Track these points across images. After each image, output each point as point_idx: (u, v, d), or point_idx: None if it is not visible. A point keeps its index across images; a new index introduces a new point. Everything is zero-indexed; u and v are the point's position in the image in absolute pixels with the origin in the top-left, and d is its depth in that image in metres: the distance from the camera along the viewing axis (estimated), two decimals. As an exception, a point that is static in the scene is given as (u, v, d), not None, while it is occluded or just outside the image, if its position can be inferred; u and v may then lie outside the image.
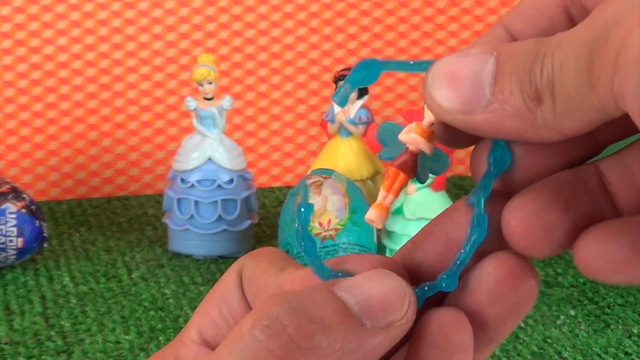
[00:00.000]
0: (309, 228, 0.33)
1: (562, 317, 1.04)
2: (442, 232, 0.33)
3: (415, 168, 0.33)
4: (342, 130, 1.19)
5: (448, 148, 0.34)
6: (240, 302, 0.34)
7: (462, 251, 0.32)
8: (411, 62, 0.32)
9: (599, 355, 0.97)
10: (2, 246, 1.10)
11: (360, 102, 1.18)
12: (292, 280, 0.33)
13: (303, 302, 0.30)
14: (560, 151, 0.33)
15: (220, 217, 1.16)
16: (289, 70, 1.41)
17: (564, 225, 0.31)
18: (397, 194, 0.33)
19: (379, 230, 1.12)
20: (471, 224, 0.32)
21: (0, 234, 1.10)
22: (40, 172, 1.36)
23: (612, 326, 1.02)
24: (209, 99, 1.17)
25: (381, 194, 0.33)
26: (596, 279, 0.30)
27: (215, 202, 1.16)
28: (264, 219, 1.28)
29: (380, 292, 0.31)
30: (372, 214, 0.33)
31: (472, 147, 0.34)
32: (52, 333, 1.00)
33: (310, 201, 1.07)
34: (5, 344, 0.98)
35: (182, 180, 1.17)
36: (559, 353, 0.97)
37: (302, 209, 0.33)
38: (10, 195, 1.12)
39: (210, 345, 0.34)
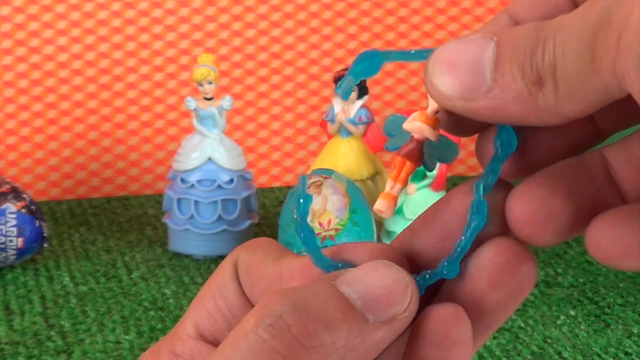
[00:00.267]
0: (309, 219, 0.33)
1: (562, 317, 1.04)
2: (441, 219, 0.33)
3: (422, 156, 0.33)
4: (342, 130, 1.19)
5: (456, 138, 0.34)
6: (237, 294, 0.34)
7: (463, 238, 0.32)
8: (412, 51, 0.32)
9: (599, 355, 0.97)
10: (2, 246, 1.10)
11: (360, 102, 1.18)
12: (292, 269, 0.33)
13: (306, 299, 0.30)
14: (564, 136, 0.33)
15: (220, 217, 1.16)
16: (289, 70, 1.41)
17: (568, 212, 0.31)
18: (404, 183, 0.33)
19: (379, 230, 1.12)
20: (470, 210, 0.32)
21: (0, 234, 1.10)
22: (40, 172, 1.36)
23: (612, 326, 1.02)
24: (209, 99, 1.17)
25: (389, 183, 0.33)
26: (608, 264, 0.30)
27: (215, 202, 1.16)
28: (264, 219, 1.28)
29: (382, 285, 0.31)
30: (381, 204, 0.33)
31: (471, 146, 0.34)
32: (52, 333, 1.00)
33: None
34: (5, 344, 0.98)
35: (182, 180, 1.17)
36: (559, 353, 0.97)
37: (301, 200, 0.33)
38: (10, 195, 1.12)
39: (207, 339, 0.34)
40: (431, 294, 0.33)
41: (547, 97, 0.29)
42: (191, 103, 1.16)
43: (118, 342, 0.98)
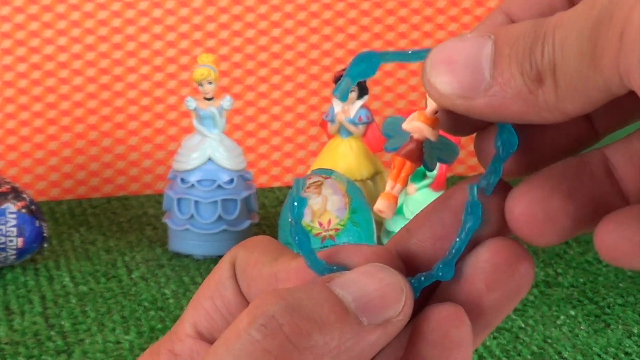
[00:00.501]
0: (307, 225, 0.33)
1: (562, 317, 1.04)
2: (438, 218, 0.33)
3: (421, 156, 0.33)
4: (342, 130, 1.19)
5: (455, 138, 0.34)
6: (235, 294, 0.34)
7: (457, 239, 0.32)
8: (409, 52, 0.32)
9: (599, 355, 0.97)
10: (2, 246, 1.10)
11: (360, 102, 1.18)
12: (287, 270, 0.33)
13: (299, 300, 0.30)
14: (562, 135, 0.32)
15: (220, 217, 1.16)
16: (289, 70, 1.41)
17: (568, 212, 0.31)
18: (404, 183, 0.33)
19: (379, 230, 1.12)
20: (465, 211, 0.32)
21: (0, 234, 1.10)
22: (40, 172, 1.36)
23: (612, 326, 1.02)
24: (209, 99, 1.17)
25: (389, 183, 0.33)
26: (616, 264, 0.30)
27: (215, 202, 1.16)
28: (264, 219, 1.28)
29: (376, 288, 0.31)
30: (381, 204, 0.33)
31: (471, 146, 0.34)
32: (52, 333, 1.00)
33: (310, 201, 1.07)
34: (5, 344, 0.98)
35: (182, 180, 1.17)
36: (559, 353, 0.97)
37: (295, 203, 0.33)
38: (10, 195, 1.12)
39: (205, 338, 0.34)
40: (428, 294, 0.33)
41: (547, 94, 0.29)
42: (191, 103, 1.16)
43: (118, 342, 0.98)
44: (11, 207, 1.11)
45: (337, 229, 1.07)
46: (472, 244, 0.32)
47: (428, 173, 1.08)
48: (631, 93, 0.28)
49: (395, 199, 0.33)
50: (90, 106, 1.36)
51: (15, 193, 1.12)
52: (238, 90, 1.39)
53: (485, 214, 0.32)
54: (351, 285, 0.31)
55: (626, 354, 0.97)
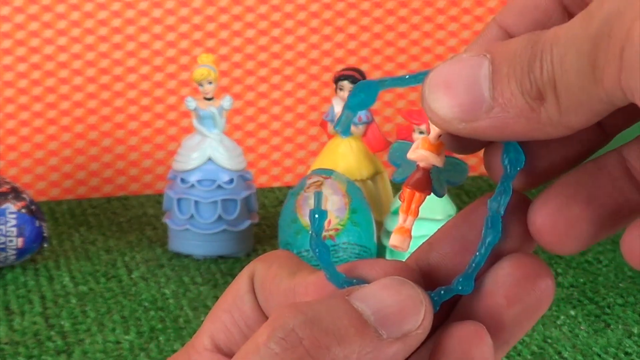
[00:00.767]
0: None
1: (562, 317, 1.04)
2: (459, 233, 0.33)
3: (430, 184, 0.33)
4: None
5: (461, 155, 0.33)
6: (253, 308, 0.34)
7: (477, 253, 0.32)
8: (407, 77, 0.31)
9: (599, 355, 0.97)
10: (2, 246, 1.10)
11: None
12: (306, 285, 0.33)
13: (319, 313, 0.30)
14: (572, 143, 0.32)
15: (220, 217, 1.16)
16: (289, 70, 1.41)
17: (588, 218, 0.31)
18: (416, 215, 0.33)
19: (379, 231, 1.12)
20: (485, 225, 0.32)
21: (0, 234, 1.10)
22: (40, 172, 1.36)
23: (612, 326, 1.02)
24: (209, 99, 1.17)
25: (401, 216, 0.33)
26: None
27: (215, 202, 1.16)
28: (264, 219, 1.28)
29: (396, 301, 0.31)
30: (395, 240, 0.33)
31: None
32: (52, 333, 1.00)
33: (310, 201, 1.07)
34: (5, 344, 0.98)
35: (182, 180, 1.17)
36: (559, 353, 0.97)
37: (316, 216, 0.32)
38: (10, 195, 1.12)
39: (223, 352, 0.34)
40: (448, 308, 0.33)
41: (550, 111, 0.29)
42: (191, 103, 1.16)
43: (118, 342, 0.98)
44: (11, 207, 1.11)
45: (337, 229, 1.07)
46: (493, 259, 0.32)
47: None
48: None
49: (409, 232, 0.33)
50: (90, 106, 1.36)
51: (15, 193, 1.12)
52: (238, 90, 1.39)
53: (506, 229, 0.32)
54: (370, 299, 0.31)
55: (626, 354, 0.97)
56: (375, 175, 1.20)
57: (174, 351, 0.97)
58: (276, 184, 1.43)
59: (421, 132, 1.08)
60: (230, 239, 1.17)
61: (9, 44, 1.32)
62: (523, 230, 0.32)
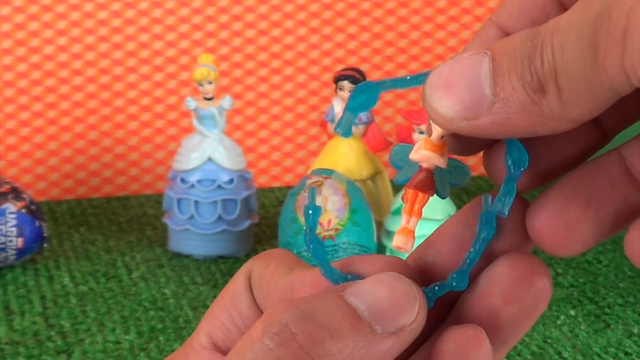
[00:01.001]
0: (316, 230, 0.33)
1: (562, 317, 1.04)
2: (456, 232, 0.33)
3: (433, 185, 0.33)
4: (342, 130, 1.19)
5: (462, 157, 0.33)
6: (250, 306, 0.34)
7: (472, 249, 0.32)
8: (407, 78, 0.31)
9: (599, 355, 0.97)
10: (2, 246, 1.10)
11: (360, 102, 1.18)
12: (302, 281, 0.33)
13: (312, 308, 0.30)
14: (572, 143, 0.32)
15: (220, 217, 1.16)
16: (289, 70, 1.41)
17: (589, 219, 0.31)
18: (419, 216, 0.32)
19: (379, 230, 1.11)
20: (479, 221, 0.32)
21: (0, 234, 1.10)
22: (40, 172, 1.36)
23: (612, 326, 1.02)
24: (209, 99, 1.17)
25: (404, 218, 0.33)
26: None
27: (215, 202, 1.16)
28: (264, 219, 1.28)
29: (390, 296, 0.31)
30: (399, 241, 0.33)
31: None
32: (52, 333, 1.00)
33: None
34: (5, 344, 0.98)
35: (182, 180, 1.17)
36: (559, 353, 0.97)
37: (310, 212, 0.33)
38: (10, 195, 1.12)
39: (221, 350, 0.34)
40: (446, 308, 0.33)
41: (552, 103, 0.28)
42: (191, 103, 1.16)
43: (118, 342, 0.98)
44: (11, 207, 1.11)
45: (337, 229, 1.07)
46: (490, 258, 0.32)
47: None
48: (637, 90, 0.27)
49: (413, 233, 0.33)
50: (90, 106, 1.36)
51: (15, 193, 1.12)
52: (238, 90, 1.39)
53: (502, 228, 0.32)
54: (364, 294, 0.31)
55: (626, 354, 0.97)
56: (375, 175, 1.20)
57: (174, 351, 0.97)
58: (276, 184, 1.43)
59: (421, 132, 1.08)
60: (230, 239, 1.17)
61: (9, 44, 1.32)
62: (520, 229, 0.32)
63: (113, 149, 1.38)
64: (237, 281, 0.34)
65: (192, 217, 1.16)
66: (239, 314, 0.34)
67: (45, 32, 1.33)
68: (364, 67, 1.33)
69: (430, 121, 0.31)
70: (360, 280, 0.31)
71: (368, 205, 1.10)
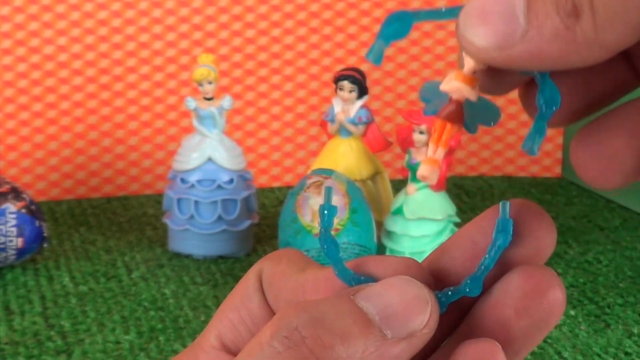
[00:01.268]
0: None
1: (562, 317, 1.04)
2: (472, 238, 0.33)
3: (462, 117, 0.32)
4: (342, 130, 1.19)
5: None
6: (261, 306, 0.34)
7: (487, 256, 0.31)
8: (442, 10, 0.31)
9: (599, 355, 0.97)
10: (2, 246, 1.10)
11: (360, 102, 1.18)
12: (315, 281, 0.33)
13: (323, 312, 0.30)
14: (604, 82, 0.32)
15: (220, 217, 1.16)
16: (289, 70, 1.41)
17: (631, 151, 0.31)
18: (446, 146, 0.32)
19: (379, 230, 1.11)
20: (496, 228, 0.31)
21: (0, 234, 1.10)
22: (40, 172, 1.36)
23: (612, 326, 1.02)
24: (209, 99, 1.17)
25: (431, 148, 0.32)
26: None
27: (215, 202, 1.16)
28: (264, 219, 1.28)
29: (401, 300, 0.30)
30: (424, 170, 0.32)
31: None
32: (52, 333, 1.00)
33: (310, 201, 1.07)
34: (5, 344, 0.98)
35: (182, 180, 1.17)
36: (559, 353, 0.97)
37: (325, 211, 0.32)
38: (10, 195, 1.12)
39: (230, 351, 0.34)
40: (460, 314, 0.33)
41: (585, 27, 0.28)
42: (191, 103, 1.16)
43: (118, 342, 0.98)
44: (11, 207, 1.11)
45: (337, 229, 1.07)
46: (505, 266, 0.32)
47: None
48: None
49: (439, 163, 0.32)
50: (90, 106, 1.36)
51: (15, 193, 1.12)
52: (238, 90, 1.39)
53: (518, 235, 0.31)
54: (375, 298, 0.31)
55: (626, 354, 0.97)
56: (375, 175, 1.20)
57: (174, 351, 0.97)
58: (276, 184, 1.43)
59: (421, 132, 1.08)
60: (230, 239, 1.17)
61: (9, 44, 1.32)
62: (535, 237, 0.32)
63: (113, 149, 1.38)
64: (248, 281, 0.34)
65: (192, 217, 1.16)
66: (249, 314, 0.34)
67: (45, 32, 1.33)
68: (364, 67, 1.33)
69: (463, 53, 0.31)
70: (373, 284, 0.31)
71: (368, 205, 1.10)
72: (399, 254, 1.07)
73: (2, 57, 1.32)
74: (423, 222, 1.07)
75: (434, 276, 0.32)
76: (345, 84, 1.17)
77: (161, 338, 0.99)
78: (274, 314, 0.33)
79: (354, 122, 1.18)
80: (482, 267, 0.31)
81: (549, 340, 0.99)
